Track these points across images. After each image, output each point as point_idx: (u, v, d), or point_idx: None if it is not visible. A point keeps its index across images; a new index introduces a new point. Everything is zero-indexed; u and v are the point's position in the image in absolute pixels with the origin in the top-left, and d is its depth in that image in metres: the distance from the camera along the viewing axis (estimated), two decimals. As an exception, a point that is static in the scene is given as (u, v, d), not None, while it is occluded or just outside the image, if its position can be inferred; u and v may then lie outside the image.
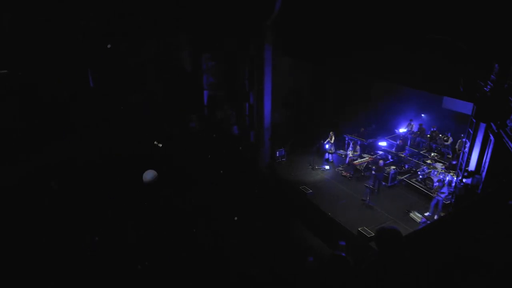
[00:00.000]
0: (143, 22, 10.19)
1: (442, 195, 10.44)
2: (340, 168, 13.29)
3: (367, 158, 13.20)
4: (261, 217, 9.64)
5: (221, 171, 10.04)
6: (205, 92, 11.69)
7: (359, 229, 9.57)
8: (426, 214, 10.44)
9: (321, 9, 10.19)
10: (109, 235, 7.94)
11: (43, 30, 9.33)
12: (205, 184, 9.89)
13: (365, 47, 9.56)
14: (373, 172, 11.61)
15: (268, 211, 9.97)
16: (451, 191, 10.51)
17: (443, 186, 10.55)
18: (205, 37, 11.29)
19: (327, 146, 14.04)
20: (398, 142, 14.01)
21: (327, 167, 13.27)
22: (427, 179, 11.71)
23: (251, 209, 9.75)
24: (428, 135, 14.37)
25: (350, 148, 13.72)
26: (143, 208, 8.66)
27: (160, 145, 10.35)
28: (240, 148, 12.37)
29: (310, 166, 13.19)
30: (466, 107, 10.15)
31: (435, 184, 11.41)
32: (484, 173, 8.85)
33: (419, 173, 12.27)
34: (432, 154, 13.31)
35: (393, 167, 12.31)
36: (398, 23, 8.71)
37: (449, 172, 11.55)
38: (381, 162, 11.73)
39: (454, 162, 11.78)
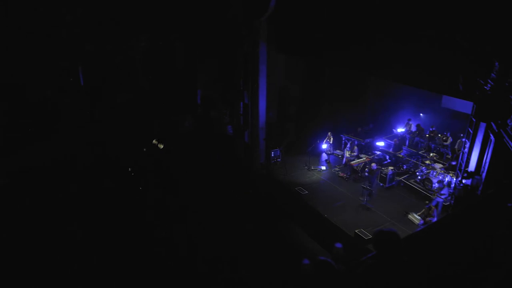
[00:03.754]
0: (137, 20, 9.98)
1: (442, 197, 10.23)
2: (337, 169, 13.03)
3: (364, 158, 12.96)
4: (256, 218, 9.46)
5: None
6: (199, 91, 11.49)
7: (356, 231, 9.35)
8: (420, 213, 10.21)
9: (318, 5, 10.00)
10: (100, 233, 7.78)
11: (30, 29, 9.11)
12: (198, 184, 9.70)
13: (363, 44, 9.35)
14: (366, 174, 11.40)
15: (263, 213, 9.79)
16: (450, 192, 10.29)
17: (443, 187, 10.34)
18: (199, 35, 11.09)
19: (324, 146, 13.82)
20: (394, 142, 13.79)
21: (323, 167, 13.04)
22: (426, 180, 11.49)
23: (245, 210, 9.58)
24: (427, 135, 14.15)
25: (347, 148, 13.48)
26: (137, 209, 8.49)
27: (161, 146, 10.12)
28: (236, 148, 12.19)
29: (306, 167, 12.97)
30: (466, 106, 9.96)
31: (434, 185, 11.19)
32: (484, 174, 8.66)
33: (417, 173, 12.04)
34: (431, 154, 13.09)
35: (391, 167, 12.08)
36: (397, 20, 8.51)
37: (448, 173, 11.33)
38: (373, 165, 11.48)
39: (453, 163, 11.56)
